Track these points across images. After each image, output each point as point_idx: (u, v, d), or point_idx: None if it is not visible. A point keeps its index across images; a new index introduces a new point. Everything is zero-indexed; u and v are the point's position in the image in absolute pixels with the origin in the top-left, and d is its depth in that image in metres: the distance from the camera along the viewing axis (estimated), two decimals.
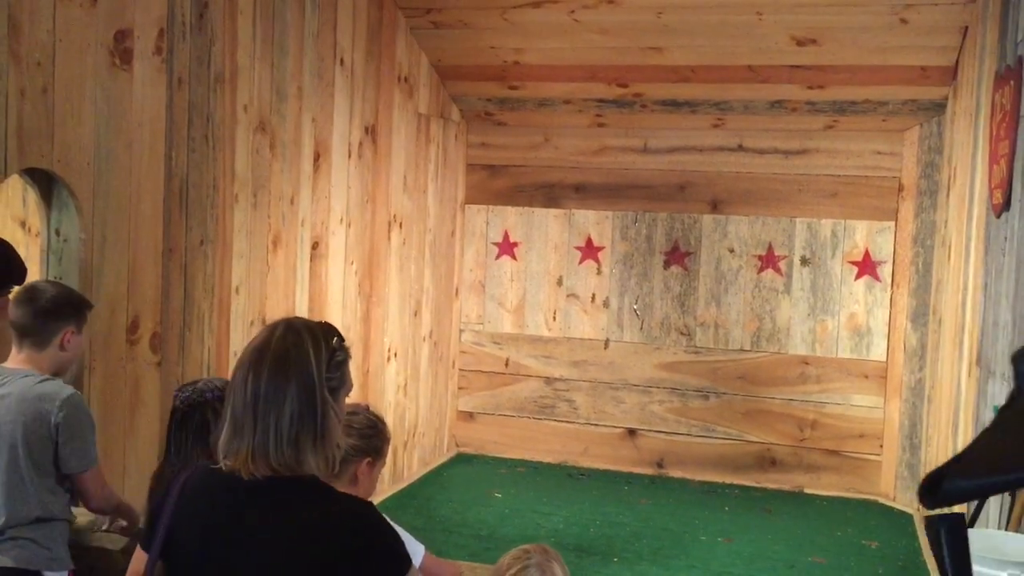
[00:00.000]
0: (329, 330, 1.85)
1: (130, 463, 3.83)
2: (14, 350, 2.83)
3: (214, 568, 1.74)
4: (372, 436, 2.28)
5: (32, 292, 2.86)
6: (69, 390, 2.80)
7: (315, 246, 5.15)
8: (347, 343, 1.86)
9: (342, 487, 2.56)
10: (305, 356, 1.74)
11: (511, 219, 7.27)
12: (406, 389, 6.45)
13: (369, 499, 2.80)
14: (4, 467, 2.70)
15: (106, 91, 3.59)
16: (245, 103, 4.45)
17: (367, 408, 2.36)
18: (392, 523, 1.85)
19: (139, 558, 1.87)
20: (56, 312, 2.82)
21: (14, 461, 2.71)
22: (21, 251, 3.52)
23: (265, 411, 1.70)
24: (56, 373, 2.85)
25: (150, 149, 3.84)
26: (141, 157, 3.79)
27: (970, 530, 2.44)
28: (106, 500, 2.90)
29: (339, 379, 1.81)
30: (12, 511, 2.70)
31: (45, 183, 3.52)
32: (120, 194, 3.70)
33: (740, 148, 6.82)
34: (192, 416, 2.50)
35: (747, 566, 5.23)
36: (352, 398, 5.73)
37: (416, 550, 2.57)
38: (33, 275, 3.59)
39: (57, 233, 3.56)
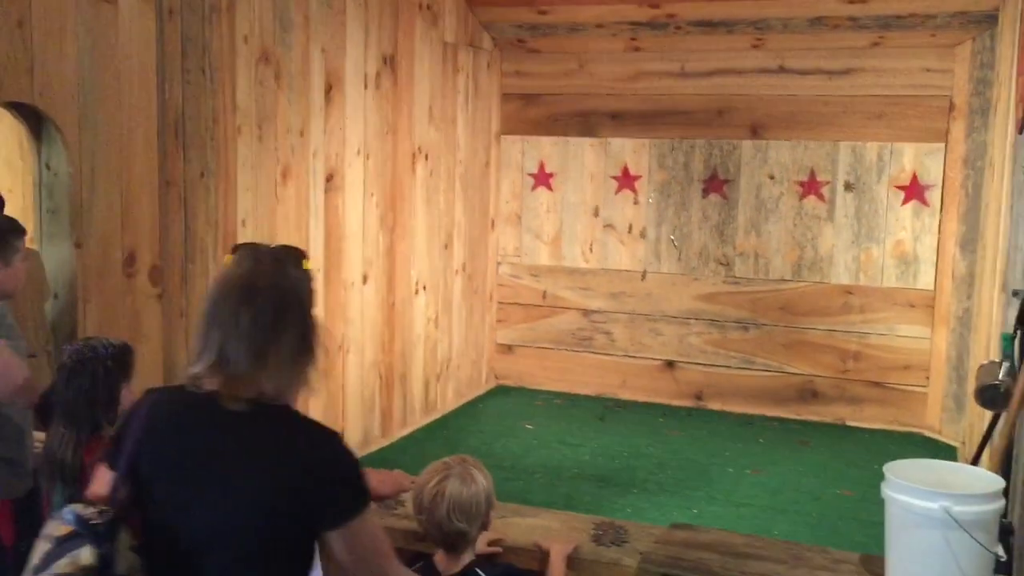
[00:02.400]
0: (299, 253, 1.88)
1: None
2: None
3: (181, 487, 1.76)
4: None
5: None
6: None
7: (329, 178, 5.14)
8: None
9: None
10: (296, 284, 1.78)
11: (546, 149, 7.14)
12: (437, 322, 6.45)
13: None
14: None
15: (88, 23, 3.59)
16: (245, 33, 4.42)
17: None
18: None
19: (102, 475, 1.88)
20: None
21: None
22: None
23: (263, 343, 1.72)
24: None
25: (140, 82, 3.84)
26: (131, 90, 3.80)
27: (911, 460, 2.32)
28: None
29: (312, 302, 1.85)
30: None
31: (34, 117, 3.56)
32: (110, 127, 3.72)
33: (781, 69, 6.54)
34: (81, 372, 2.41)
35: (770, 497, 5.13)
36: (378, 330, 5.78)
37: None
38: (27, 209, 3.67)
39: (48, 167, 3.61)
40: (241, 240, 4.52)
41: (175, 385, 1.93)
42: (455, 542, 2.30)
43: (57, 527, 1.75)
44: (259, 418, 1.74)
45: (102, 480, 1.88)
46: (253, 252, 1.81)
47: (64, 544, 1.71)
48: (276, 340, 1.73)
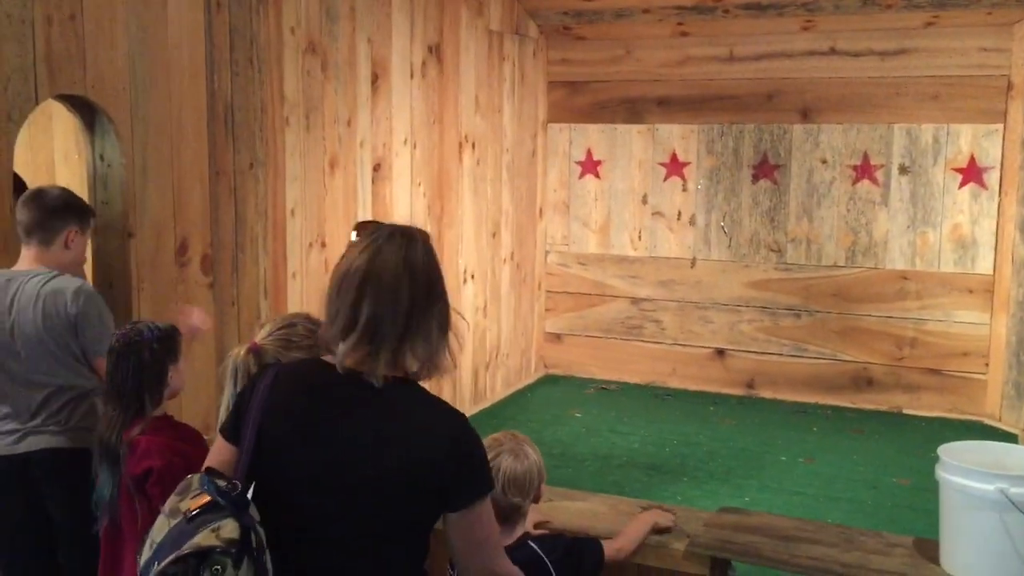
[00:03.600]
0: (428, 237, 1.89)
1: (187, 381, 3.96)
2: (23, 250, 2.93)
3: (309, 461, 1.73)
4: (314, 346, 2.23)
5: (39, 193, 2.94)
6: (78, 281, 2.89)
7: (377, 168, 5.16)
8: None
9: None
10: (439, 270, 1.81)
11: (594, 137, 7.11)
12: (486, 311, 6.46)
13: None
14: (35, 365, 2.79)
15: (138, 16, 3.64)
16: (292, 25, 4.45)
17: (307, 317, 2.32)
18: None
19: (220, 448, 1.85)
20: (61, 211, 2.89)
21: (41, 356, 2.79)
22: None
23: (414, 324, 1.74)
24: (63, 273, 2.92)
25: (189, 73, 3.89)
26: (181, 81, 3.85)
27: (966, 442, 2.26)
28: None
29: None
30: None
31: (88, 110, 3.62)
32: (160, 118, 3.77)
33: (832, 51, 6.43)
34: (128, 356, 2.43)
35: (824, 486, 5.05)
36: None
37: None
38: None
39: (101, 158, 3.67)
40: (288, 227, 4.57)
41: (300, 359, 1.97)
42: (509, 515, 2.33)
43: (181, 502, 1.68)
44: (394, 394, 1.73)
45: (220, 452, 1.84)
46: (405, 235, 1.80)
47: (199, 517, 1.63)
48: (424, 324, 1.74)
